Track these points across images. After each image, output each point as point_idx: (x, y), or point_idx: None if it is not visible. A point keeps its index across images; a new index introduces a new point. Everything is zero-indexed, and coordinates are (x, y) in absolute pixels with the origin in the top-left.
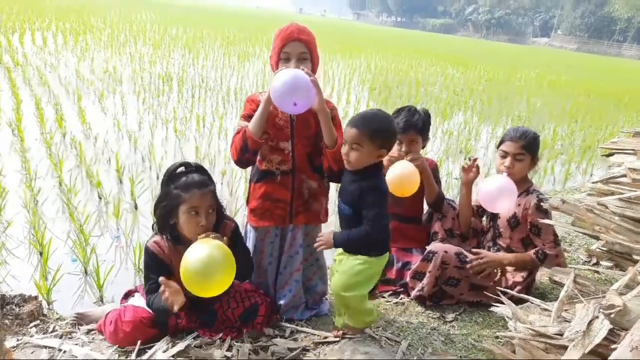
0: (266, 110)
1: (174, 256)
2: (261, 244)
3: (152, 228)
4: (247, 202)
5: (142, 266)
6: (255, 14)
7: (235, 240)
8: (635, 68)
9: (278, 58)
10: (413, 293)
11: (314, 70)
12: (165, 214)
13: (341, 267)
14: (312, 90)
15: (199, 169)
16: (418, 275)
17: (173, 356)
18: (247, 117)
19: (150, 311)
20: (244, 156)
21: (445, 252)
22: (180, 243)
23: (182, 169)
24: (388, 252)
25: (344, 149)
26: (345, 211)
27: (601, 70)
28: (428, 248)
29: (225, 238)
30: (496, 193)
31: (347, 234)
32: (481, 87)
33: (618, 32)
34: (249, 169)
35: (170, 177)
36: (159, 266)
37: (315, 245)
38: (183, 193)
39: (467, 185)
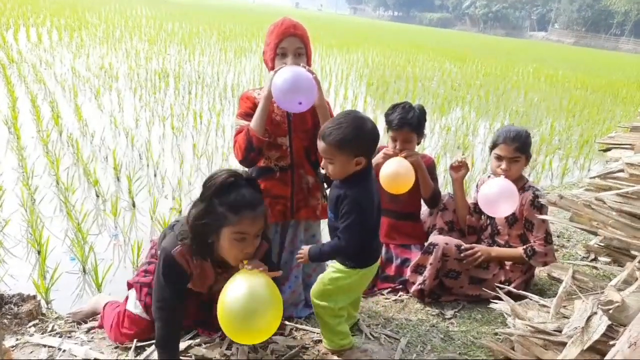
0: (267, 107)
1: (196, 269)
2: None
3: (173, 229)
4: None
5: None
6: (251, 9)
7: (266, 263)
8: (632, 62)
9: (274, 54)
10: (414, 287)
11: (308, 64)
12: (203, 233)
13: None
14: (315, 88)
15: (250, 182)
16: (419, 269)
17: None
18: (245, 115)
19: (147, 316)
20: (249, 155)
21: (446, 244)
22: (210, 259)
23: (231, 179)
24: (369, 267)
25: (323, 162)
26: (330, 217)
27: (598, 64)
28: (429, 240)
29: (278, 272)
30: (496, 197)
31: (320, 248)
32: (479, 82)
33: (615, 25)
34: None
35: (216, 191)
36: (179, 278)
37: (297, 256)
38: (231, 214)
39: (458, 182)
